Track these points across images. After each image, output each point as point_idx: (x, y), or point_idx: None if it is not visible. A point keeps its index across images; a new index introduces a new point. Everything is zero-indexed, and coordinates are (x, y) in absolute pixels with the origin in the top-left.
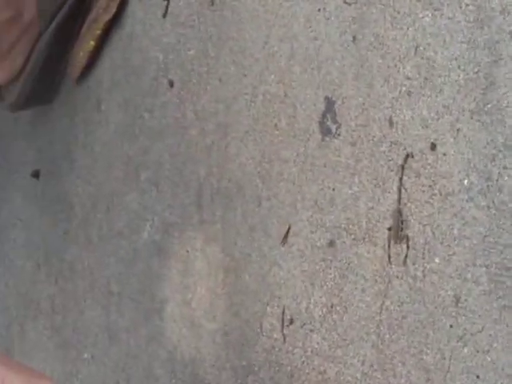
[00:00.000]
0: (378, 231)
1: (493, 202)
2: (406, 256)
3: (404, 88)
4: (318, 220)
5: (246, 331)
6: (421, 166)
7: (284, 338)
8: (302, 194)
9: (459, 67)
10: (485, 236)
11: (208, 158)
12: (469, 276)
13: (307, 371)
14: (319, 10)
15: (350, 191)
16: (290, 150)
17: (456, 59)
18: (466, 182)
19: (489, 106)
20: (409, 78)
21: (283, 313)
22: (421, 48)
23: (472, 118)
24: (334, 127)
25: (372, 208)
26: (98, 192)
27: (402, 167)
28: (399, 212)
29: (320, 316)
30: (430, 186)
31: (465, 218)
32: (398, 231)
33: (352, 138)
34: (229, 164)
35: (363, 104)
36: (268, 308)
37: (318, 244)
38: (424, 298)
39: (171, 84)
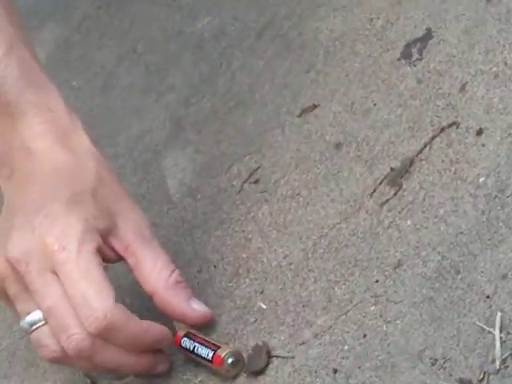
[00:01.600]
0: (381, 163)
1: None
2: (387, 201)
3: None
4: (343, 120)
5: (215, 161)
6: (458, 140)
7: (240, 190)
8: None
9: None
10: (460, 232)
11: None
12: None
13: (234, 231)
14: None
15: (391, 116)
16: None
17: None
18: (481, 180)
19: None
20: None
21: (256, 170)
22: None
23: None
24: (415, 56)
25: (393, 143)
26: None
27: (443, 129)
28: (411, 162)
29: (284, 195)
30: (452, 162)
31: (458, 210)
32: (397, 177)
33: (422, 75)
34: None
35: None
36: (248, 157)
37: (327, 138)
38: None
39: None
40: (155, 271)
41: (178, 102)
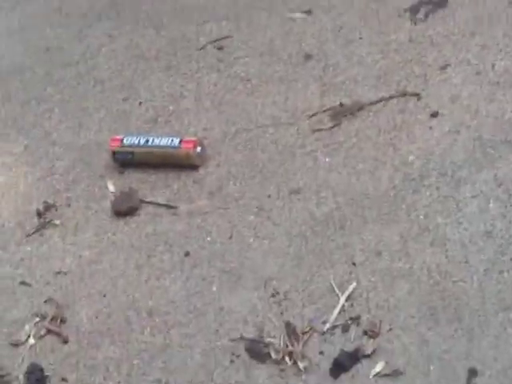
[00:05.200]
0: (335, 93)
1: None
2: (320, 130)
3: None
4: (325, 37)
5: (196, 9)
6: (412, 111)
7: (202, 48)
8: None
9: None
10: (365, 194)
11: None
12: None
13: (174, 82)
14: None
15: (368, 57)
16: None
17: None
18: (410, 158)
19: None
20: None
21: (226, 38)
22: None
23: None
24: (420, 15)
25: (356, 81)
26: None
27: (404, 94)
28: (360, 107)
29: (235, 73)
30: (395, 127)
31: (375, 173)
32: (342, 114)
33: (416, 36)
34: None
35: None
36: (225, 22)
37: (303, 46)
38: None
39: None
40: None
41: None
